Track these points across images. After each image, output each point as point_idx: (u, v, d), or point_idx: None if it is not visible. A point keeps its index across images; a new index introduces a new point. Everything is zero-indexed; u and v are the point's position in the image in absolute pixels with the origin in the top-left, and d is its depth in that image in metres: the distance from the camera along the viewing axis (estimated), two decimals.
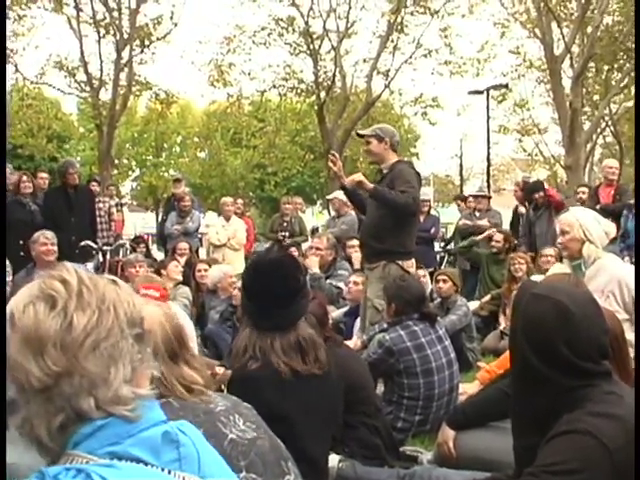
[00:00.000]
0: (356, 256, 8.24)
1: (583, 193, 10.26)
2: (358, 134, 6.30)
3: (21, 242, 8.20)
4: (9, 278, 6.46)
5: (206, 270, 7.73)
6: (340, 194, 8.28)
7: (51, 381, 1.13)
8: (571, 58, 21.00)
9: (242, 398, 2.35)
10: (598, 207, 8.55)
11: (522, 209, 10.75)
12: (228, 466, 1.37)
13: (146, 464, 1.17)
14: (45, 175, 10.55)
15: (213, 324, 7.13)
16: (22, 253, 7.87)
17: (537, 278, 4.96)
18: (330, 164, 6.03)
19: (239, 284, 5.94)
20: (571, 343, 2.10)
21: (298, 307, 2.99)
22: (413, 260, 5.91)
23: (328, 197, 10.65)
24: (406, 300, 4.83)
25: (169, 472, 1.19)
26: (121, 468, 1.13)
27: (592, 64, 21.35)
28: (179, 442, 1.22)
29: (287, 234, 11.14)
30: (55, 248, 6.65)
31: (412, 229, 5.94)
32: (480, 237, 9.50)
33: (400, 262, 5.70)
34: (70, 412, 1.15)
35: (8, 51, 20.89)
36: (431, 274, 8.23)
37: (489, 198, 11.32)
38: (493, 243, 9.04)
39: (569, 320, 2.12)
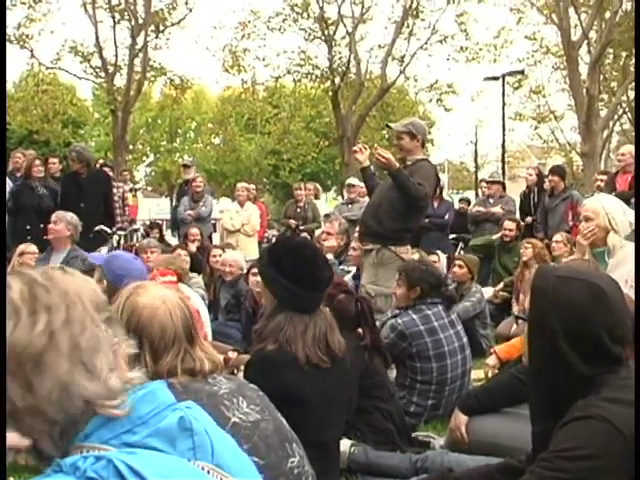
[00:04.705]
0: None
1: (601, 181, 10.14)
2: (388, 126, 6.20)
3: (28, 227, 8.21)
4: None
5: (220, 255, 7.68)
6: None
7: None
8: (588, 44, 20.83)
9: (261, 380, 2.34)
10: (613, 194, 8.45)
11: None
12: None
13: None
14: (55, 160, 10.49)
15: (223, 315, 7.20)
16: (29, 237, 7.83)
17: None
18: (357, 155, 6.29)
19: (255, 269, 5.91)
20: (607, 325, 2.02)
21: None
22: (408, 247, 5.92)
23: (349, 182, 10.69)
24: (431, 284, 4.80)
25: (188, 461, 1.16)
26: (144, 455, 1.10)
27: (610, 50, 21.16)
28: (193, 430, 1.19)
29: (300, 222, 11.10)
30: (57, 227, 6.54)
31: (412, 221, 5.95)
32: (496, 236, 9.42)
33: (393, 247, 5.71)
34: (65, 418, 1.09)
35: (24, 36, 21.00)
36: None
37: (503, 184, 11.23)
38: (506, 232, 8.95)
39: (604, 301, 2.04)
